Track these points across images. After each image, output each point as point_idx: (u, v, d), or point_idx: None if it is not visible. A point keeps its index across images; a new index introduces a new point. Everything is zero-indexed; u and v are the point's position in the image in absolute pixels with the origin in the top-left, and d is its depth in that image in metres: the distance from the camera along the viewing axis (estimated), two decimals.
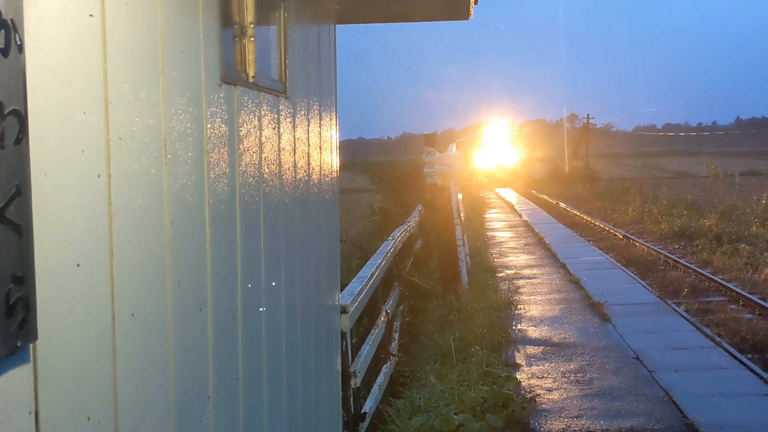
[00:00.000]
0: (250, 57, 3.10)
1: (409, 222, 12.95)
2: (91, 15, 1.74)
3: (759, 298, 13.47)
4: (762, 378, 8.63)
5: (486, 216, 26.53)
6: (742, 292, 14.07)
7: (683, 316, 11.20)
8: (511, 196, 43.62)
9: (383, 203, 28.13)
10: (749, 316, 12.79)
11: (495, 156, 48.92)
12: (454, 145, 11.97)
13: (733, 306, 13.59)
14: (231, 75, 2.82)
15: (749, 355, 10.26)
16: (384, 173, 32.94)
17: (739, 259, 17.25)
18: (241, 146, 2.90)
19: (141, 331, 1.99)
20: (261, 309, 3.12)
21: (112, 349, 1.83)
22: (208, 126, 2.51)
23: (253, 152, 3.09)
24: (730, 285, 14.81)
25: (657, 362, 7.64)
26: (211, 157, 2.55)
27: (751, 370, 8.60)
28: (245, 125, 2.96)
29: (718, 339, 10.83)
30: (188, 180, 2.32)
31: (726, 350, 9.65)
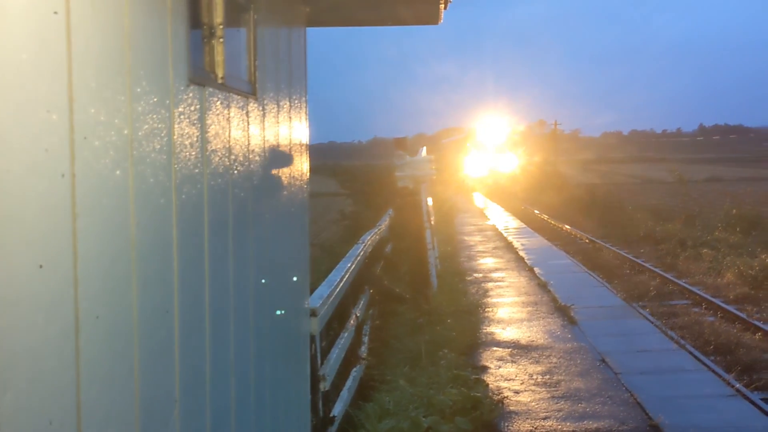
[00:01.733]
0: (219, 58, 3.08)
1: (380, 225, 12.96)
2: (55, 12, 1.71)
3: (721, 302, 13.76)
4: (724, 379, 8.82)
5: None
6: (706, 296, 14.37)
7: (648, 319, 11.39)
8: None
9: (354, 207, 28.14)
10: (712, 318, 13.06)
11: (487, 161, 46.82)
12: (424, 148, 12.03)
13: (696, 309, 13.87)
14: (200, 76, 2.80)
15: (712, 357, 10.48)
16: (355, 177, 32.96)
17: (703, 263, 17.60)
18: (209, 147, 2.87)
19: (105, 333, 1.96)
20: (228, 311, 3.10)
21: (75, 352, 1.79)
22: (176, 126, 2.49)
23: (222, 154, 3.06)
24: (693, 289, 15.11)
25: (623, 365, 7.75)
26: (179, 158, 2.52)
27: (714, 372, 8.77)
28: (214, 126, 2.94)
29: (683, 342, 11.05)
30: (155, 181, 2.30)
31: (690, 352, 9.83)
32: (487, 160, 46.80)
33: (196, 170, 2.70)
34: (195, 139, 2.68)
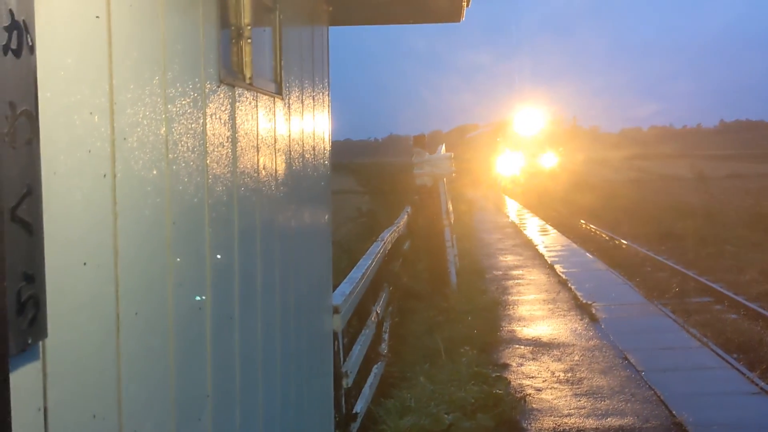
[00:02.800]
0: (247, 58, 3.12)
1: (398, 223, 12.99)
2: (97, 16, 1.75)
3: (744, 299, 13.62)
4: (747, 377, 8.75)
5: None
6: (728, 293, 14.23)
7: (670, 317, 11.31)
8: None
9: (371, 205, 28.18)
10: (734, 316, 12.94)
11: (519, 159, 40.58)
12: (443, 146, 12.04)
13: (718, 306, 13.74)
14: (229, 76, 2.85)
15: (735, 355, 10.39)
16: (371, 175, 33.02)
17: (724, 260, 17.43)
18: (239, 147, 2.92)
19: (143, 330, 2.01)
20: (256, 309, 3.14)
21: (116, 348, 1.84)
22: (209, 127, 2.53)
23: (251, 153, 3.11)
24: (715, 286, 14.97)
25: (645, 362, 7.72)
26: (212, 157, 2.57)
27: (737, 370, 8.70)
28: (243, 126, 2.98)
29: (705, 339, 10.97)
30: (189, 180, 2.34)
31: (712, 350, 9.76)
32: (519, 158, 40.55)
33: (227, 170, 2.74)
34: (226, 138, 2.73)
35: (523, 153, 39.72)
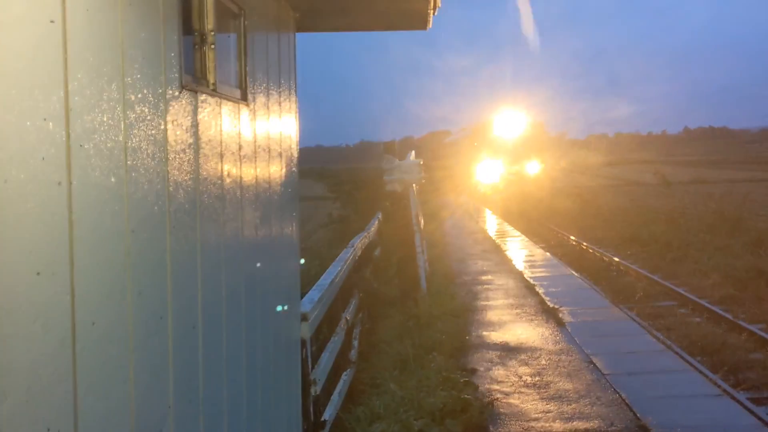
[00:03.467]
0: (211, 64, 3.10)
1: (369, 229, 12.98)
2: (52, 21, 1.72)
3: (707, 302, 13.88)
4: (710, 379, 8.91)
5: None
6: (692, 297, 14.49)
7: (635, 321, 11.47)
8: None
9: (342, 211, 28.11)
10: (698, 319, 13.18)
11: (498, 165, 38.99)
12: (413, 152, 12.08)
13: (683, 310, 13.98)
14: (192, 82, 2.82)
15: (698, 358, 10.57)
16: (343, 181, 32.94)
17: (688, 265, 17.76)
18: (202, 154, 2.89)
19: (101, 340, 1.97)
20: (221, 317, 3.11)
21: (72, 359, 1.81)
22: (169, 133, 2.50)
23: (215, 160, 3.08)
24: (679, 290, 15.24)
25: (611, 366, 7.82)
26: (173, 164, 2.54)
27: (701, 372, 8.85)
28: (206, 133, 2.95)
29: (669, 342, 11.14)
30: (149, 188, 2.31)
31: (677, 353, 9.92)
32: (497, 164, 39.14)
33: (189, 177, 2.71)
34: (188, 145, 2.70)
35: (501, 159, 39.01)
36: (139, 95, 2.25)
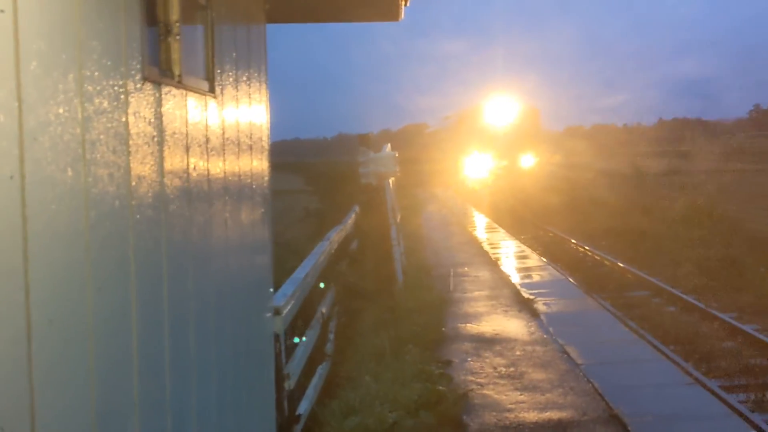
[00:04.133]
0: (176, 56, 3.04)
1: (345, 222, 12.95)
2: (2, 11, 1.67)
3: (680, 292, 14.08)
4: (682, 368, 9.03)
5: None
6: (665, 287, 14.69)
7: (609, 311, 11.60)
8: None
9: (319, 204, 28.03)
10: (671, 309, 13.36)
11: (486, 157, 33.99)
12: (388, 145, 12.05)
13: (656, 300, 14.17)
14: (155, 74, 2.77)
15: (671, 347, 10.73)
16: (320, 174, 32.82)
17: (662, 255, 17.99)
18: (167, 147, 2.84)
19: (59, 338, 1.93)
20: (189, 313, 3.07)
21: (28, 358, 1.76)
22: (131, 126, 2.45)
23: (180, 154, 3.03)
24: (653, 280, 15.44)
25: (584, 355, 7.89)
26: (135, 158, 2.49)
27: (673, 361, 8.98)
28: (171, 126, 2.90)
29: (642, 332, 11.29)
30: (110, 182, 2.26)
31: (650, 342, 10.05)
32: (485, 157, 34.35)
33: (153, 171, 2.66)
34: (151, 138, 2.65)
35: (491, 152, 33.93)
36: (98, 87, 2.20)
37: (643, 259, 17.92)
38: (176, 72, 3.03)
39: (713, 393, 7.93)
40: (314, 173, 34.96)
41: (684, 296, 13.68)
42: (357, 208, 14.96)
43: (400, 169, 16.80)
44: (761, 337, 10.81)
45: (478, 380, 7.22)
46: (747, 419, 7.29)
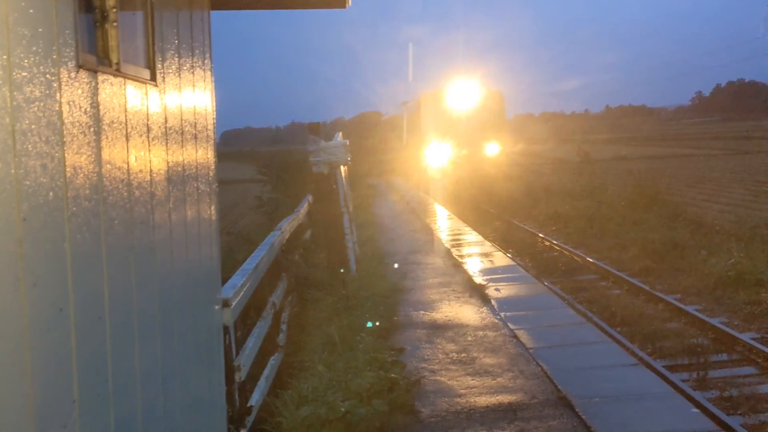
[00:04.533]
0: (113, 43, 2.96)
1: (298, 212, 12.87)
2: None
3: (627, 275, 14.46)
4: (628, 349, 9.29)
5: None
6: (612, 270, 15.06)
7: (558, 294, 11.85)
8: None
9: (272, 194, 27.74)
10: (618, 292, 13.71)
11: (447, 145, 31.28)
12: (339, 134, 12.00)
13: (603, 283, 14.52)
14: (91, 61, 2.69)
15: (618, 329, 11.02)
16: (272, 163, 32.45)
17: (609, 239, 18.42)
18: (105, 138, 2.76)
19: None
20: (131, 307, 3.00)
21: None
22: (65, 116, 2.38)
23: (120, 144, 2.95)
24: (600, 264, 15.81)
25: (534, 339, 8.04)
26: (71, 149, 2.41)
27: (619, 343, 9.23)
28: (109, 115, 2.83)
29: (590, 314, 11.56)
30: (43, 173, 2.19)
31: (597, 324, 10.30)
32: (444, 146, 31.74)
33: (91, 162, 2.59)
34: (87, 128, 2.57)
35: (450, 140, 31.40)
36: (29, 75, 2.12)
37: (591, 243, 18.33)
38: (114, 60, 2.95)
39: (657, 373, 8.19)
40: (266, 162, 34.55)
41: (630, 279, 14.05)
42: (310, 198, 14.87)
43: (355, 158, 16.77)
44: (703, 317, 11.19)
45: (431, 367, 7.28)
46: (689, 398, 7.55)
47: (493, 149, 31.67)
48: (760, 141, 58.43)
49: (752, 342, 9.80)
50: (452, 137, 31.25)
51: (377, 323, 8.81)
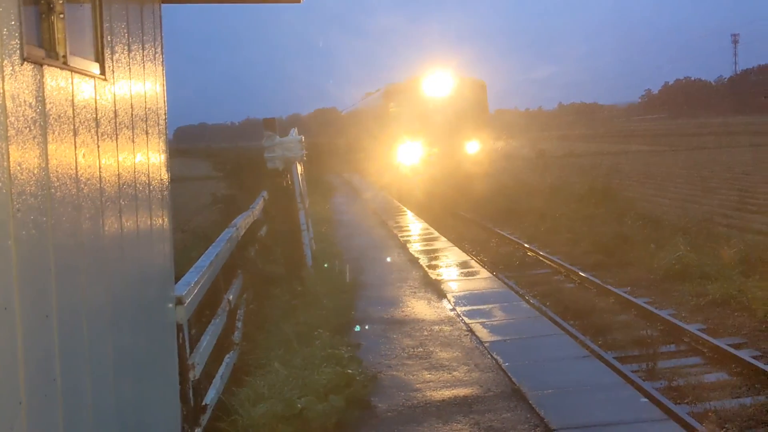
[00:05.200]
0: (60, 36, 2.89)
1: (253, 208, 12.75)
2: None
3: (579, 269, 14.75)
4: (580, 341, 9.49)
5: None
6: (565, 264, 15.35)
7: (513, 289, 12.02)
8: None
9: (227, 190, 27.40)
10: (570, 285, 13.99)
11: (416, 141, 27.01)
12: (295, 129, 11.93)
13: (556, 277, 14.79)
14: (37, 54, 2.62)
15: (570, 322, 11.24)
16: (228, 159, 32.04)
17: (562, 234, 18.75)
18: (51, 132, 2.70)
19: None
20: (80, 305, 2.95)
21: None
22: (9, 109, 2.32)
23: (68, 139, 2.89)
24: (554, 258, 16.09)
25: (489, 333, 8.14)
26: (15, 143, 2.35)
27: (572, 335, 9.42)
28: (56, 109, 2.76)
29: (544, 308, 11.77)
30: None
31: (551, 318, 10.49)
32: (414, 139, 27.56)
33: (36, 156, 2.53)
34: (33, 122, 2.51)
35: (420, 134, 27.44)
36: None
37: (543, 238, 18.63)
38: (61, 52, 2.89)
39: (608, 364, 8.38)
40: (222, 159, 34.08)
41: (582, 273, 14.34)
42: (265, 194, 14.75)
43: (311, 155, 16.62)
44: (652, 309, 11.50)
45: (388, 362, 7.32)
46: (639, 388, 7.76)
47: (473, 146, 27.65)
48: (707, 137, 60.24)
49: (698, 333, 10.12)
50: (423, 133, 27.10)
51: (334, 319, 8.80)
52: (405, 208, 23.08)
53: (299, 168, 12.80)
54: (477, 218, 23.41)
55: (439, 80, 27.60)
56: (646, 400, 6.40)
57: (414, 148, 27.32)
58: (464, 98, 27.31)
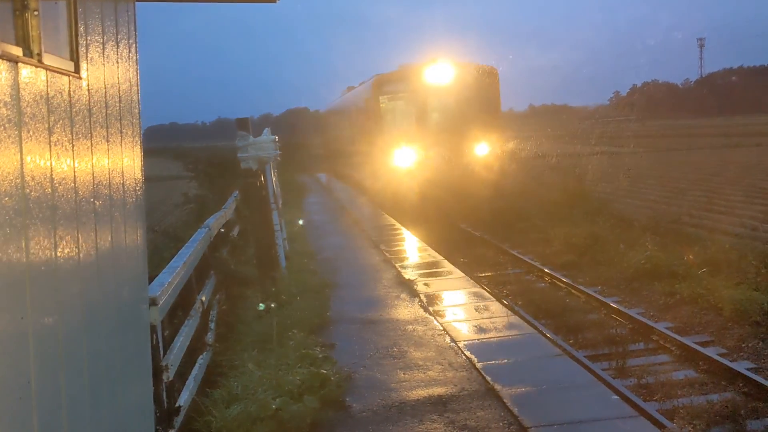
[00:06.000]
0: (35, 33, 2.85)
1: (226, 208, 12.67)
2: None
3: (550, 269, 14.92)
4: (552, 340, 9.60)
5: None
6: (536, 264, 15.51)
7: (486, 289, 12.11)
8: None
9: (199, 190, 27.15)
10: (542, 285, 14.14)
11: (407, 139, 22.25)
12: (268, 129, 11.88)
13: (528, 277, 14.94)
14: (11, 51, 2.59)
15: (543, 321, 11.37)
16: (199, 159, 31.74)
17: (534, 234, 18.93)
18: (26, 130, 2.67)
19: None
20: (53, 307, 2.91)
21: None
22: None
23: (42, 137, 2.85)
24: (526, 258, 16.25)
25: (462, 333, 8.20)
26: None
27: (544, 335, 9.53)
28: (30, 107, 2.73)
29: (517, 308, 11.88)
30: None
31: (523, 317, 10.59)
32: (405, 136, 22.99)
33: (11, 154, 2.49)
34: (7, 120, 2.48)
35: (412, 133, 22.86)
36: None
37: (516, 239, 18.79)
38: (35, 50, 2.85)
39: (580, 363, 8.50)
40: (193, 158, 33.75)
41: (554, 272, 14.50)
42: (238, 194, 14.65)
43: (285, 156, 16.45)
44: (622, 308, 11.68)
45: (362, 362, 7.33)
46: (610, 386, 7.88)
47: (482, 148, 23.28)
48: (675, 139, 61.26)
49: (666, 331, 10.31)
50: (421, 133, 22.82)
51: (309, 320, 8.79)
52: (381, 211, 22.91)
53: (272, 168, 12.75)
54: (451, 218, 23.19)
55: (440, 68, 22.45)
56: (617, 397, 6.51)
57: (409, 151, 22.79)
58: (471, 89, 22.46)
